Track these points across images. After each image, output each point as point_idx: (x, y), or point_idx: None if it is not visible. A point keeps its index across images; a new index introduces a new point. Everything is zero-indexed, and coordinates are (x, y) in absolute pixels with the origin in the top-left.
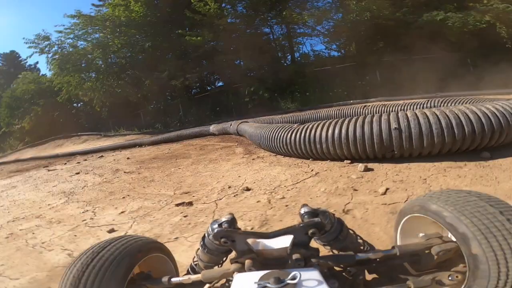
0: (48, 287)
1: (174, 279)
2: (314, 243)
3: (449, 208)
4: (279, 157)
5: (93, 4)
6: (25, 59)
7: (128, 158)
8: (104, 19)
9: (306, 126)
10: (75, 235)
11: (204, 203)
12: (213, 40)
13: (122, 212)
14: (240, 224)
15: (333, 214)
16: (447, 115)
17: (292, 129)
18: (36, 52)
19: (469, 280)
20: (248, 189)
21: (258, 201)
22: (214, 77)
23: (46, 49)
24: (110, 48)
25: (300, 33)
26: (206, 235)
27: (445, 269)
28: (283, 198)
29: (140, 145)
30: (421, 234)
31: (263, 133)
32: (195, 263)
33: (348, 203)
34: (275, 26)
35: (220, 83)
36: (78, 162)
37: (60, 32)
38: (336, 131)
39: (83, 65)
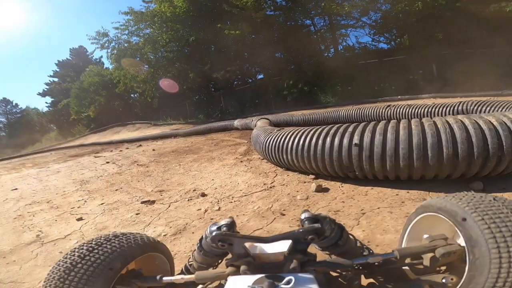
0: (4, 257)
1: (165, 278)
2: (313, 249)
3: (463, 205)
4: (263, 163)
5: (143, 1)
6: (91, 54)
7: (153, 150)
8: (152, 15)
9: (277, 133)
10: (56, 220)
11: (162, 203)
12: (252, 33)
13: (101, 204)
14: (159, 229)
15: (334, 220)
16: (422, 130)
17: (269, 134)
18: (97, 47)
19: (465, 281)
20: (204, 195)
21: (198, 209)
22: (255, 70)
23: (106, 44)
24: (160, 43)
25: (344, 24)
26: (203, 237)
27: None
28: (219, 210)
29: (175, 136)
30: (425, 236)
31: (253, 134)
32: (189, 263)
33: (260, 229)
34: (316, 18)
35: (261, 76)
36: (121, 150)
37: (117, 28)
38: (301, 141)
39: (137, 59)
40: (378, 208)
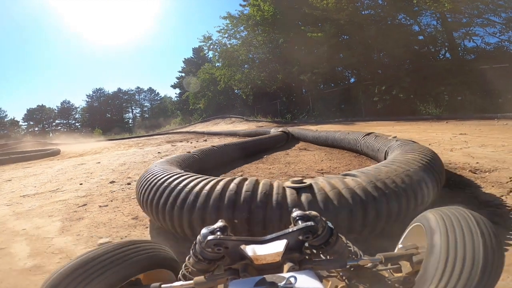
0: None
1: (164, 286)
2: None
3: (434, 212)
4: None
5: (240, 5)
6: (206, 53)
7: (194, 147)
8: (247, 18)
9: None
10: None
11: (111, 183)
12: (338, 35)
13: (103, 178)
14: (79, 193)
15: (324, 219)
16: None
17: None
18: (205, 49)
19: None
20: (129, 184)
21: (110, 190)
22: (347, 73)
23: (211, 46)
24: (254, 45)
25: (464, 23)
26: (197, 242)
27: None
28: (111, 193)
29: (235, 135)
30: (400, 246)
31: None
32: (186, 269)
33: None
34: (425, 15)
35: (353, 79)
36: (191, 143)
37: (219, 32)
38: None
39: (236, 60)
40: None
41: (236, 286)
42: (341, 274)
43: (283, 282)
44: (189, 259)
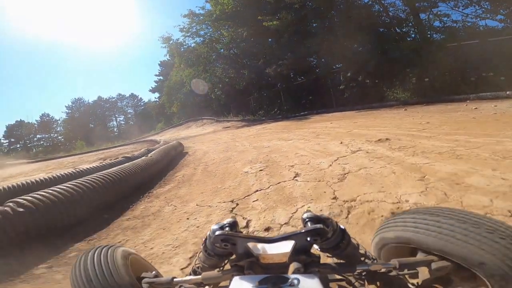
0: None
1: (176, 279)
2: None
3: (423, 231)
4: None
5: (206, 1)
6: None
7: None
8: (210, 15)
9: None
10: None
11: None
12: (295, 22)
13: None
14: None
15: (336, 222)
16: None
17: None
18: (168, 51)
19: None
20: None
21: None
22: (315, 62)
23: (173, 47)
24: (220, 41)
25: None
26: (207, 237)
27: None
28: None
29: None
30: (419, 252)
31: None
32: (196, 265)
33: None
34: None
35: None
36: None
37: (181, 31)
38: None
39: (198, 59)
40: None
41: (239, 282)
42: (349, 278)
43: (287, 283)
44: (199, 254)
